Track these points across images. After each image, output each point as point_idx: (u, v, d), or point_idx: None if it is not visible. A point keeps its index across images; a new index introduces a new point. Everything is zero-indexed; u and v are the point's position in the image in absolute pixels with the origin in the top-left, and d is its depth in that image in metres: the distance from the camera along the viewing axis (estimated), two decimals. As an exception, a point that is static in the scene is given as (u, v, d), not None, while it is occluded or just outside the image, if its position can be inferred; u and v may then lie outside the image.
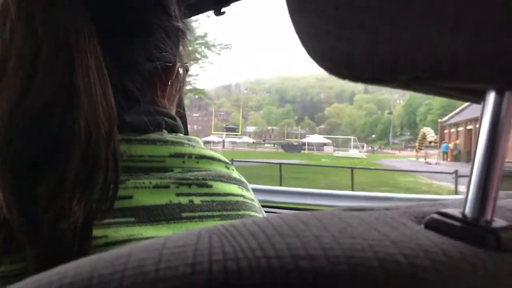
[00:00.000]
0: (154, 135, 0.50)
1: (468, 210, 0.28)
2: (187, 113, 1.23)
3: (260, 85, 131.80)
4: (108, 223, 0.44)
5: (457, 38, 0.22)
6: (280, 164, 10.48)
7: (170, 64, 0.56)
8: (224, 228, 0.25)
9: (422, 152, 31.08)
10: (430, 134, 30.25)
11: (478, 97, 0.28)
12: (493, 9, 0.21)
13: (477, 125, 0.28)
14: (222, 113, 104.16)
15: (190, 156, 0.52)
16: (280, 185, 8.85)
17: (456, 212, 0.28)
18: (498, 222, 0.28)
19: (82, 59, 0.44)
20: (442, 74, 0.25)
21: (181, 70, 0.60)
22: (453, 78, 0.25)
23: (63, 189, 0.41)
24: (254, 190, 0.60)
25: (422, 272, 0.23)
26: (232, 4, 0.97)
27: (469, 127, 27.45)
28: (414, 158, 31.41)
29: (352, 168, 9.58)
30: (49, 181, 0.41)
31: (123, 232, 0.44)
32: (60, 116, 0.42)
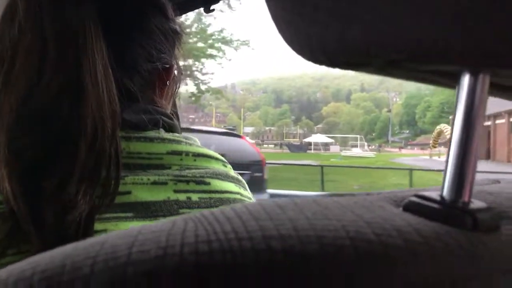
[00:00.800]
0: (152, 133, 0.52)
1: (446, 192, 0.28)
2: (183, 114, 1.23)
3: (255, 86, 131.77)
4: (107, 217, 0.45)
5: (430, 20, 0.22)
6: (322, 166, 9.87)
7: (168, 66, 0.58)
8: (202, 214, 0.25)
9: (436, 150, 30.84)
10: (449, 131, 29.81)
11: (453, 81, 0.28)
12: None
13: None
14: (219, 114, 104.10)
15: (187, 153, 0.53)
16: (322, 189, 8.58)
17: (434, 194, 0.28)
18: (476, 204, 0.28)
19: (89, 57, 0.45)
20: (416, 57, 0.25)
21: (176, 72, 0.62)
22: (427, 61, 0.25)
23: (69, 183, 0.42)
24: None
25: (394, 251, 0.23)
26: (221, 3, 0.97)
27: (486, 123, 26.94)
28: (428, 156, 31.20)
29: (411, 170, 9.01)
30: (56, 175, 0.42)
31: (122, 226, 0.45)
32: (67, 113, 0.44)
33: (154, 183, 0.48)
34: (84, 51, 0.45)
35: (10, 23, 0.46)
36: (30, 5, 0.46)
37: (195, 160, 0.53)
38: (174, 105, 0.65)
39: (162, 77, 0.58)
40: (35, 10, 0.45)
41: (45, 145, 0.43)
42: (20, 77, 0.44)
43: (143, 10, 0.55)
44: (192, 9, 1.00)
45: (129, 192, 0.47)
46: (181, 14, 0.99)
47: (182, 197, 0.49)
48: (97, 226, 0.44)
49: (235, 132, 6.16)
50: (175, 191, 0.49)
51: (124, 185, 0.47)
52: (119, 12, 0.52)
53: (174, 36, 0.59)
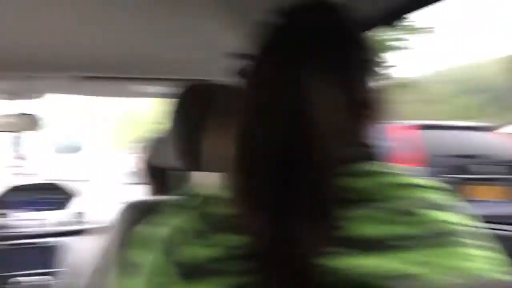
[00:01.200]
0: (359, 167, 0.54)
1: None
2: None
3: (441, 76, 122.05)
4: (333, 252, 0.48)
5: None
6: None
7: (369, 96, 0.59)
8: None
9: None
10: None
11: None
12: None
13: None
14: (404, 109, 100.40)
15: (397, 185, 0.53)
16: None
17: None
18: None
19: (318, 96, 0.52)
20: None
21: (377, 100, 0.61)
22: None
23: (300, 221, 0.48)
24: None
25: None
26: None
27: None
28: None
29: None
30: (287, 212, 0.49)
31: (347, 262, 0.47)
32: (298, 152, 0.50)
33: (369, 217, 0.49)
34: (313, 100, 0.51)
35: (248, 83, 0.56)
36: (265, 66, 0.55)
37: (405, 191, 0.52)
38: (377, 131, 0.62)
39: (363, 109, 0.58)
40: (269, 71, 0.54)
41: (274, 184, 0.50)
42: (254, 127, 0.53)
43: (347, 47, 0.58)
44: (374, 28, 1.01)
45: (347, 227, 0.49)
46: (368, 32, 0.99)
47: (397, 230, 0.49)
48: (325, 261, 0.47)
49: (488, 125, 5.10)
50: (390, 224, 0.49)
51: (344, 221, 0.49)
52: (331, 53, 0.56)
53: (373, 66, 0.61)
